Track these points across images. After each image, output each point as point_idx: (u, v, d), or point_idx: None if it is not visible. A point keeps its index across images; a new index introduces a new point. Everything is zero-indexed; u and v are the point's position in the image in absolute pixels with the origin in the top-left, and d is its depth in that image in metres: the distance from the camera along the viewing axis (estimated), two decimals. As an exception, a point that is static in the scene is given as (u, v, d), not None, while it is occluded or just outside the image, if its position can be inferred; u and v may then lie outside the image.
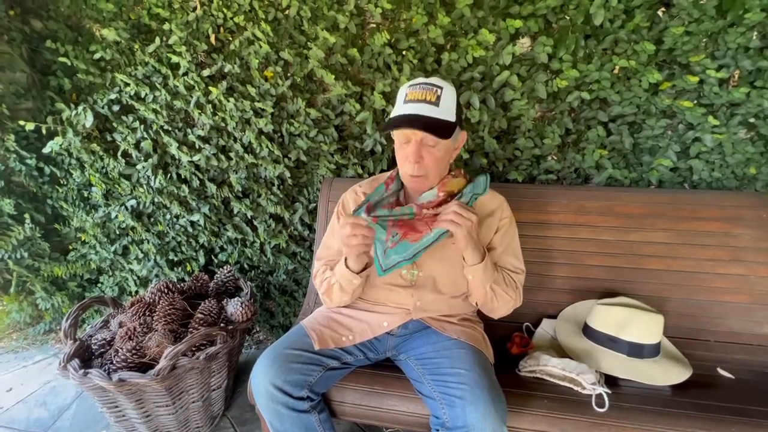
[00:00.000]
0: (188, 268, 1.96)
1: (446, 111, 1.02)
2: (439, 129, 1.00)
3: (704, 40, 1.36)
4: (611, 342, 1.20)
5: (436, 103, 1.01)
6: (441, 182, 1.11)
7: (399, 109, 1.05)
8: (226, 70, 1.67)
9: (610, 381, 1.14)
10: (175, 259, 1.96)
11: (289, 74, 1.66)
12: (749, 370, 1.24)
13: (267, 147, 1.72)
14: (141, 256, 1.97)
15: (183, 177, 1.85)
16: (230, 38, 1.67)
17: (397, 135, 1.08)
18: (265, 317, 2.02)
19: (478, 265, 1.06)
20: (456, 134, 1.06)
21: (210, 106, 1.72)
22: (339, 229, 1.05)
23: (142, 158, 1.84)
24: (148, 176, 1.85)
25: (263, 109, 1.69)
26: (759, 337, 1.33)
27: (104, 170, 1.89)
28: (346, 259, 1.09)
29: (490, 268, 1.09)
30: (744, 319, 1.34)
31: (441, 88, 1.03)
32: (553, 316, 1.42)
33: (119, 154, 1.86)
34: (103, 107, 1.81)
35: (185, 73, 1.71)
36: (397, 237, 1.09)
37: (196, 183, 1.84)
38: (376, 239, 1.10)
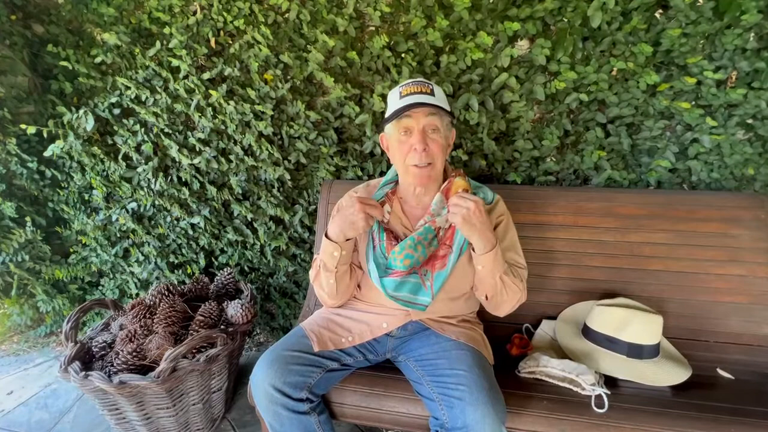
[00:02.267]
0: (189, 271, 1.96)
1: (442, 101, 1.09)
2: (443, 108, 1.06)
3: (701, 41, 1.37)
4: (610, 343, 1.20)
5: (432, 94, 1.07)
6: (445, 188, 1.12)
7: (396, 104, 1.08)
8: (226, 74, 1.68)
9: (609, 382, 1.14)
10: (176, 261, 1.96)
11: (288, 77, 1.67)
12: (749, 370, 1.24)
13: (267, 149, 1.73)
14: (141, 258, 1.97)
15: (183, 180, 1.85)
16: (230, 42, 1.68)
17: (397, 129, 1.09)
18: (265, 319, 2.02)
19: (488, 254, 1.04)
20: (451, 127, 1.13)
21: (210, 109, 1.73)
22: (345, 208, 1.06)
23: (143, 161, 1.85)
24: (149, 179, 1.86)
25: (263, 112, 1.70)
26: (758, 337, 1.33)
27: (105, 173, 1.90)
28: (326, 233, 1.10)
29: (500, 258, 1.07)
30: (743, 319, 1.34)
31: (431, 84, 1.10)
32: (553, 317, 1.43)
33: (120, 157, 1.87)
34: (103, 111, 1.82)
35: (185, 77, 1.72)
36: (428, 274, 1.11)
37: (196, 186, 1.85)
38: (416, 291, 1.11)
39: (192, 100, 1.73)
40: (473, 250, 1.07)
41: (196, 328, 1.44)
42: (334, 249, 1.07)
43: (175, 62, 1.69)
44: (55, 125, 1.83)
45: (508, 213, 1.22)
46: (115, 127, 1.84)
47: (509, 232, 1.20)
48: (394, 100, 1.10)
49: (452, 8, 1.46)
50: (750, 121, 1.40)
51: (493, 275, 1.07)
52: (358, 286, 1.23)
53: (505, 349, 1.32)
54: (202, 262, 1.93)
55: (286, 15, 1.61)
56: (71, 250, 2.10)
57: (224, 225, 1.88)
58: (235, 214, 1.87)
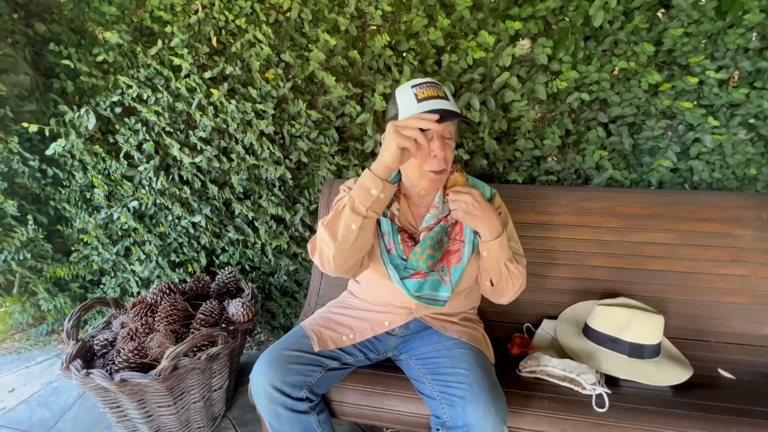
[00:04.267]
0: (190, 269, 1.96)
1: (455, 105, 1.06)
2: (464, 119, 1.03)
3: (704, 41, 1.36)
4: (612, 342, 1.20)
5: (447, 98, 1.03)
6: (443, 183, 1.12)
7: (414, 108, 1.00)
8: (227, 72, 1.68)
9: (610, 381, 1.14)
10: (177, 260, 1.96)
11: (290, 76, 1.67)
12: (750, 370, 1.23)
13: (268, 148, 1.73)
14: (143, 257, 1.98)
15: (185, 178, 1.86)
16: (231, 41, 1.68)
17: None
18: (266, 318, 2.02)
19: (494, 241, 1.05)
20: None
21: (211, 107, 1.73)
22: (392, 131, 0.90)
23: (144, 160, 1.85)
24: (150, 178, 1.86)
25: (264, 111, 1.70)
26: (760, 337, 1.32)
27: (106, 172, 1.91)
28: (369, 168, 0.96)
29: (506, 245, 1.08)
30: (745, 319, 1.34)
31: (443, 87, 1.06)
32: (554, 317, 1.42)
33: (121, 155, 1.87)
34: (105, 109, 1.82)
35: (187, 76, 1.72)
36: (445, 270, 1.11)
37: (197, 184, 1.85)
38: (437, 287, 1.11)
39: (193, 99, 1.73)
40: (479, 237, 1.08)
41: (197, 326, 1.44)
42: (374, 186, 0.92)
43: (176, 61, 1.69)
44: (57, 124, 1.83)
45: (504, 205, 1.24)
46: (117, 126, 1.84)
47: (508, 223, 1.22)
48: (410, 102, 1.02)
49: (454, 7, 1.46)
50: (752, 120, 1.39)
51: (498, 262, 1.08)
52: (360, 283, 1.22)
53: (505, 348, 1.31)
54: (203, 261, 1.93)
55: (288, 14, 1.61)
56: (73, 248, 2.10)
57: (225, 224, 1.88)
58: (236, 213, 1.87)
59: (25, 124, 1.81)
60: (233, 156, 1.79)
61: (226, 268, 1.75)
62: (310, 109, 1.67)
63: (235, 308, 1.53)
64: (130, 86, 1.77)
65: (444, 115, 0.97)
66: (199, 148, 1.80)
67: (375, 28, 1.60)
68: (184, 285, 1.71)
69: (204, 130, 1.77)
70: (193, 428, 1.47)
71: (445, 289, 1.11)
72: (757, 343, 1.32)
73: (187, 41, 1.67)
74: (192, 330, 1.44)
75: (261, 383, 1.01)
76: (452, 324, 1.17)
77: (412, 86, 1.04)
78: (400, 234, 1.11)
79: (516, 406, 1.05)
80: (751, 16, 1.27)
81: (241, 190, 1.83)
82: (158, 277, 1.98)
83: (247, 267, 1.95)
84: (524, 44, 1.50)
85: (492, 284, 1.14)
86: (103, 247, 2.00)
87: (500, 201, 1.23)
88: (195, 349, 1.36)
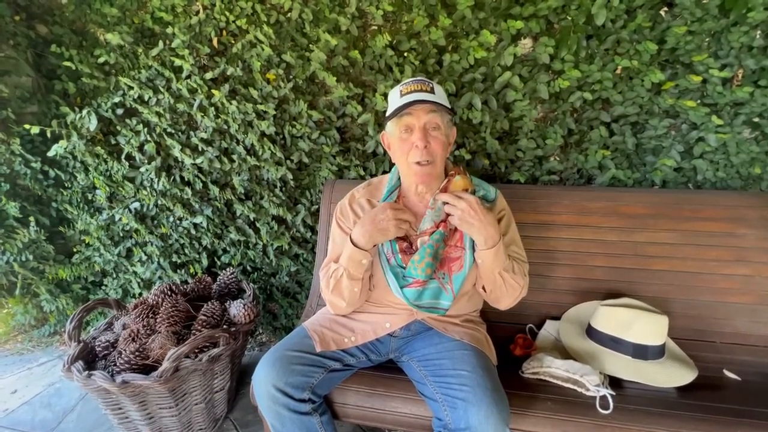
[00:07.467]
0: (191, 270, 1.96)
1: (442, 99, 1.09)
2: (444, 106, 1.06)
3: (707, 39, 1.35)
4: (615, 343, 1.19)
5: (432, 92, 1.07)
6: (443, 186, 1.10)
7: (397, 102, 1.08)
8: (228, 73, 1.68)
9: (614, 383, 1.13)
10: (179, 261, 1.96)
11: (291, 77, 1.67)
12: (756, 371, 1.22)
13: (269, 149, 1.73)
14: (144, 258, 1.98)
15: (186, 179, 1.86)
16: (233, 41, 1.68)
17: (398, 127, 1.08)
18: (267, 319, 2.02)
19: (488, 250, 1.04)
20: (451, 125, 1.13)
21: (213, 108, 1.73)
22: (375, 214, 1.07)
23: (146, 161, 1.85)
24: (152, 179, 1.86)
25: (265, 112, 1.69)
26: (765, 338, 1.31)
27: (108, 173, 1.91)
28: (352, 241, 1.08)
29: (502, 255, 1.06)
30: (750, 320, 1.33)
31: (431, 83, 1.09)
32: (557, 318, 1.42)
33: (123, 157, 1.87)
34: (107, 111, 1.83)
35: (188, 76, 1.72)
36: (447, 277, 1.11)
37: (199, 185, 1.85)
38: (438, 296, 1.11)
39: (194, 100, 1.73)
40: (476, 245, 1.07)
41: (199, 327, 1.44)
42: (363, 257, 1.07)
43: (177, 62, 1.69)
44: (59, 125, 1.84)
45: (508, 207, 1.23)
46: (118, 127, 1.84)
47: (511, 226, 1.21)
48: (395, 99, 1.09)
49: (455, 7, 1.46)
50: (756, 119, 1.38)
51: (492, 271, 1.08)
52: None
53: (508, 349, 1.31)
54: (205, 262, 1.93)
55: (289, 14, 1.60)
56: (75, 249, 2.10)
57: (227, 225, 1.88)
58: (238, 214, 1.87)
59: (26, 126, 1.81)
60: (234, 157, 1.79)
61: (228, 269, 1.75)
62: (311, 110, 1.66)
63: (237, 309, 1.52)
64: (131, 87, 1.77)
65: (414, 102, 1.03)
66: (200, 149, 1.80)
67: (376, 28, 1.59)
68: (185, 286, 1.71)
69: (205, 131, 1.77)
70: (195, 430, 1.47)
71: (447, 297, 1.11)
72: (762, 344, 1.31)
73: (188, 42, 1.67)
74: (193, 331, 1.44)
75: (263, 384, 1.01)
76: (454, 325, 1.17)
77: (402, 84, 1.11)
78: (398, 243, 1.12)
79: (519, 407, 1.04)
80: (755, 13, 1.26)
81: (243, 191, 1.83)
82: (160, 278, 1.98)
83: (248, 268, 1.95)
84: (526, 43, 1.50)
85: (485, 290, 1.15)
86: (104, 248, 2.00)
87: (504, 204, 1.22)
88: (196, 350, 1.36)
